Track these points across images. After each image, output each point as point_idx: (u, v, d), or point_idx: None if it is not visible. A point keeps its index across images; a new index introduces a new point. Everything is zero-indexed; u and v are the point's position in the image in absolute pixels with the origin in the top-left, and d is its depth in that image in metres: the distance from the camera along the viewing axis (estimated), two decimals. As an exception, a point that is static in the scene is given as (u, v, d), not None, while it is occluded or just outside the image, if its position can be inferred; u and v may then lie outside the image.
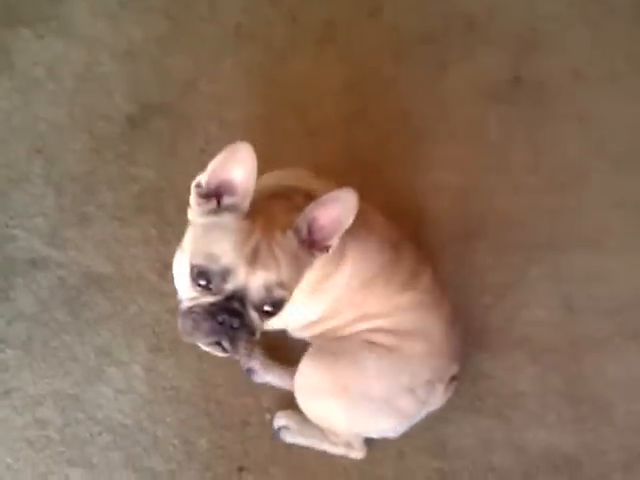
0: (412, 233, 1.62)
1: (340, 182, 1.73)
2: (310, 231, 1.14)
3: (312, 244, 1.15)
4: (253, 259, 1.07)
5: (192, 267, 1.10)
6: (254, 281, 1.07)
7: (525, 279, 1.69)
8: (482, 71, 1.94)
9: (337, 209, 1.12)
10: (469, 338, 1.53)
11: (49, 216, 1.62)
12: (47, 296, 1.55)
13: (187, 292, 1.12)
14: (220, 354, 1.14)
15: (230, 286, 1.07)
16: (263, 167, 1.73)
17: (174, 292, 1.50)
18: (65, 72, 1.79)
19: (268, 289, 1.08)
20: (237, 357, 1.16)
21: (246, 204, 1.10)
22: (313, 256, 1.16)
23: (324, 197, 1.11)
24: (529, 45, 1.99)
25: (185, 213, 1.60)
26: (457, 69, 1.94)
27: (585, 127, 1.89)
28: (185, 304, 1.12)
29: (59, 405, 1.46)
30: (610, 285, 1.69)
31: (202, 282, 1.08)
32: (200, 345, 1.15)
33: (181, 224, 1.57)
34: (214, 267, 1.07)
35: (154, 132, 1.75)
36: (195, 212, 1.14)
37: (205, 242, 1.10)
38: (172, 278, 1.52)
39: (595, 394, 1.58)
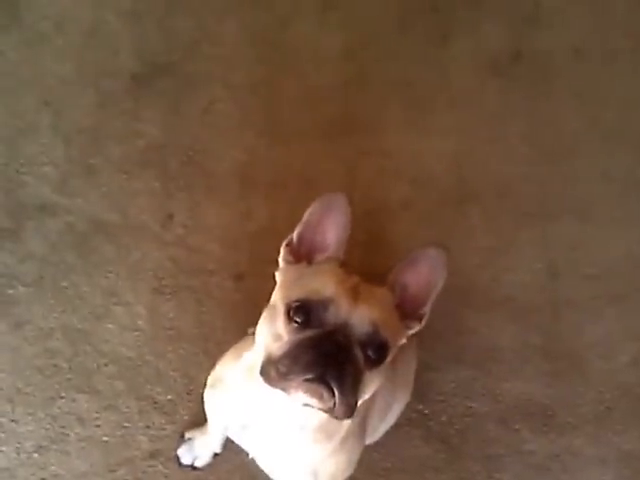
0: (407, 195, 2.20)
1: (337, 144, 2.32)
2: (401, 299, 1.26)
3: (404, 315, 1.26)
4: (355, 294, 1.17)
5: (287, 307, 1.17)
6: (357, 315, 1.15)
7: (513, 243, 2.19)
8: (484, 44, 2.45)
9: (426, 270, 1.25)
10: (457, 295, 2.07)
11: (58, 165, 2.12)
12: (56, 239, 2.05)
13: (278, 338, 1.17)
14: (316, 402, 1.13)
15: (331, 318, 1.14)
16: (264, 129, 2.28)
17: (175, 241, 2.06)
18: (72, 28, 2.29)
19: (373, 324, 1.15)
20: (337, 403, 1.13)
21: (341, 255, 1.25)
22: (407, 327, 1.27)
23: (409, 259, 1.25)
24: (531, 20, 2.51)
25: (187, 167, 2.14)
26: (459, 41, 2.45)
27: (581, 102, 2.39)
28: (276, 353, 1.15)
29: (68, 338, 1.95)
30: (593, 253, 2.19)
31: (299, 318, 1.15)
32: (290, 395, 1.14)
33: (183, 178, 2.13)
34: (314, 298, 1.15)
35: (158, 90, 2.25)
36: (284, 269, 1.28)
37: (301, 282, 1.21)
38: (174, 228, 2.08)
39: (572, 351, 2.08)
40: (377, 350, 1.16)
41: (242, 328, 1.95)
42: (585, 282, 2.17)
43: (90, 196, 2.11)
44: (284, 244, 1.28)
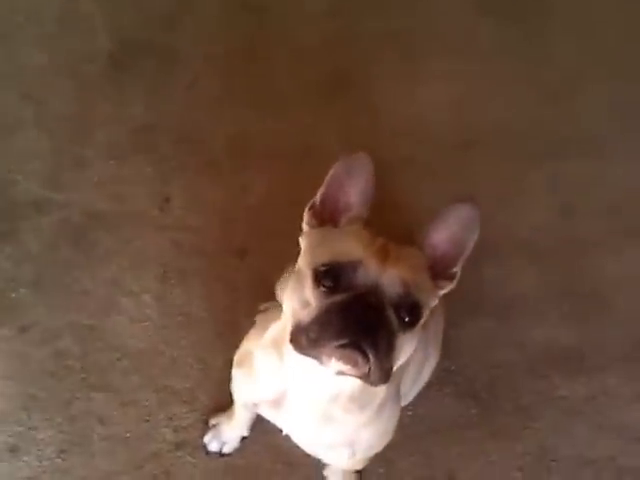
0: (407, 149, 2.06)
1: (330, 106, 2.19)
2: (431, 259, 1.18)
3: (435, 275, 1.18)
4: (384, 255, 1.09)
5: (314, 271, 1.10)
6: (388, 276, 1.08)
7: (522, 187, 2.07)
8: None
9: (457, 228, 1.16)
10: (471, 246, 1.97)
11: (45, 159, 1.98)
12: (53, 236, 1.91)
13: (306, 305, 1.10)
14: (350, 368, 1.06)
15: (361, 280, 1.07)
16: (252, 100, 2.15)
17: (175, 224, 1.94)
18: (44, 17, 2.15)
19: (405, 285, 1.08)
20: (372, 369, 1.06)
21: (366, 215, 1.17)
22: (439, 287, 1.18)
23: (439, 217, 1.17)
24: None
25: (178, 147, 2.01)
26: (445, -18, 2.33)
27: (578, 37, 2.25)
28: (305, 320, 1.09)
29: (77, 336, 1.83)
30: (606, 188, 2.07)
31: (328, 282, 1.08)
32: (323, 363, 1.07)
33: (175, 159, 2.01)
34: (341, 261, 1.08)
35: (139, 70, 2.11)
36: (308, 234, 1.20)
37: (327, 246, 1.13)
38: (172, 211, 1.96)
39: (594, 290, 1.96)
40: (410, 311, 1.09)
41: (252, 305, 1.87)
42: (600, 219, 2.05)
43: (82, 187, 1.98)
44: (307, 208, 1.20)
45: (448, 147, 2.09)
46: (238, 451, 1.76)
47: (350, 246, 1.11)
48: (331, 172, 1.18)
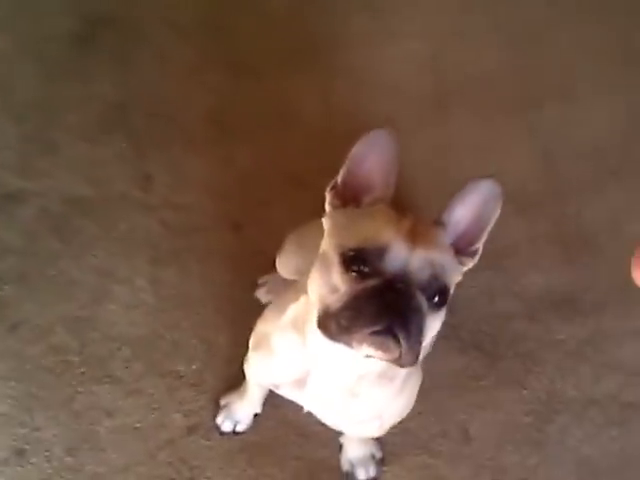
0: (387, 108, 2.00)
1: (306, 71, 2.12)
2: (454, 236, 1.16)
3: (457, 251, 1.16)
4: (412, 237, 1.06)
5: (342, 256, 1.07)
6: (416, 259, 1.06)
7: (503, 138, 2.05)
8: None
9: (479, 204, 1.13)
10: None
11: (15, 148, 1.86)
12: (32, 228, 1.80)
13: (334, 290, 1.07)
14: (381, 354, 1.05)
15: (390, 265, 1.05)
16: (225, 68, 2.05)
17: (161, 203, 1.86)
18: (-2, -1, 2.04)
19: (433, 267, 1.06)
20: (405, 354, 1.05)
21: (390, 194, 1.13)
22: (462, 264, 1.17)
23: (461, 194, 1.13)
24: None
25: (154, 122, 1.92)
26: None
27: None
28: (334, 306, 1.06)
29: (70, 329, 1.73)
30: (584, 129, 2.06)
31: (356, 267, 1.05)
32: (354, 348, 1.05)
33: (152, 134, 1.91)
34: (370, 246, 1.06)
35: (104, 46, 1.99)
36: (331, 215, 1.16)
37: (353, 229, 1.10)
38: (156, 190, 1.87)
39: (583, 233, 1.96)
40: (439, 293, 1.06)
41: (250, 279, 1.82)
42: (581, 160, 2.05)
43: (57, 174, 1.86)
44: (329, 188, 1.14)
45: (426, 104, 2.04)
46: (252, 428, 1.70)
47: (377, 228, 1.07)
48: (353, 149, 1.13)
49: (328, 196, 1.15)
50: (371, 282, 1.03)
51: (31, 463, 1.62)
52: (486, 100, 2.07)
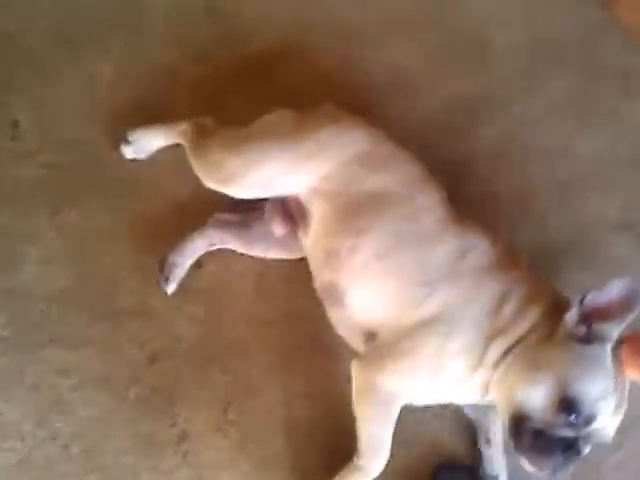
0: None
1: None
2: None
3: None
4: (618, 405, 1.26)
5: (565, 397, 1.24)
6: (607, 428, 1.27)
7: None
8: None
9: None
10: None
11: None
12: None
13: (544, 413, 1.26)
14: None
15: (590, 429, 1.25)
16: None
17: (38, 148, 1.65)
18: None
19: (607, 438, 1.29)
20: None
21: (616, 335, 1.26)
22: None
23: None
24: None
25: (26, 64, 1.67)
26: None
27: None
28: (533, 424, 1.26)
29: None
30: None
31: (569, 418, 1.23)
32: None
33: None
34: (586, 409, 1.23)
35: None
36: (562, 333, 1.29)
37: (583, 377, 1.24)
38: (27, 135, 1.66)
39: (475, 35, 1.84)
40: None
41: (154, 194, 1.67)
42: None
43: None
44: (578, 300, 1.29)
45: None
46: (217, 338, 1.60)
47: (600, 394, 1.26)
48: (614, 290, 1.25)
49: (575, 308, 1.28)
50: (565, 433, 1.28)
51: (5, 449, 1.49)
52: None
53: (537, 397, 1.25)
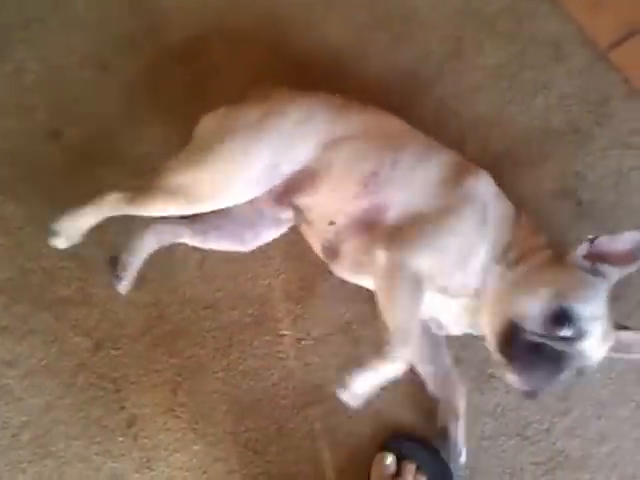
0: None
1: None
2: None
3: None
4: (606, 333, 1.29)
5: (562, 307, 1.26)
6: (595, 353, 1.28)
7: None
8: None
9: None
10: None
11: None
12: None
13: (539, 321, 1.27)
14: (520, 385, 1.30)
15: (580, 348, 1.26)
16: None
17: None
18: None
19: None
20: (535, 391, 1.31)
21: (615, 279, 1.31)
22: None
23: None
24: None
25: None
26: None
27: None
28: (526, 335, 1.27)
29: None
30: None
31: (562, 328, 1.25)
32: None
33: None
34: (580, 323, 1.25)
35: None
36: (569, 261, 1.33)
37: (582, 295, 1.28)
38: None
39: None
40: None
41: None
42: None
43: None
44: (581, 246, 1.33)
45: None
46: (159, 318, 1.57)
47: (593, 314, 1.29)
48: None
49: (583, 245, 1.33)
50: (555, 345, 1.29)
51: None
52: None
53: (535, 306, 1.28)
